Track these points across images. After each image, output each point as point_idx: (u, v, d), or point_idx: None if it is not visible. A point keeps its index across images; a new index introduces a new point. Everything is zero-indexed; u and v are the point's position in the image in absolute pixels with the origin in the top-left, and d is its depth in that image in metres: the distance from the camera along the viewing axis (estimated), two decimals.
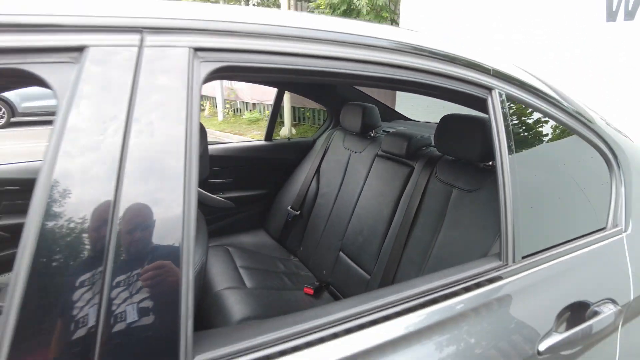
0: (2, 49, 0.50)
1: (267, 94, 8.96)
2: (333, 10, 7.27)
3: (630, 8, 3.02)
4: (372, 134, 1.94)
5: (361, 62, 0.69)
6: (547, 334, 0.77)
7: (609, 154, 0.99)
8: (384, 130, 1.98)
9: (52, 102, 8.44)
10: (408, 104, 3.82)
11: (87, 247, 0.49)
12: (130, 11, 0.57)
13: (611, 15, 3.15)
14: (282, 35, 0.63)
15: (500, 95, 0.84)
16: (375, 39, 0.71)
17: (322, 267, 1.87)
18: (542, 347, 0.75)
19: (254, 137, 7.96)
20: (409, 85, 0.79)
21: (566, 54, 3.37)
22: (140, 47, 0.55)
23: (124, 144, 0.51)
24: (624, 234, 0.97)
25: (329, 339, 0.61)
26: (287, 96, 8.02)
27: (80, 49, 0.53)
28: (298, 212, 2.12)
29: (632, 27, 3.01)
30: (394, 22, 6.85)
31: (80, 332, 0.47)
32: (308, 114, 8.39)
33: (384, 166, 1.73)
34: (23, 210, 1.54)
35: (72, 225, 0.49)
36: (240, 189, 2.24)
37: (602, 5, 3.20)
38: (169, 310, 0.51)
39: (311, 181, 2.14)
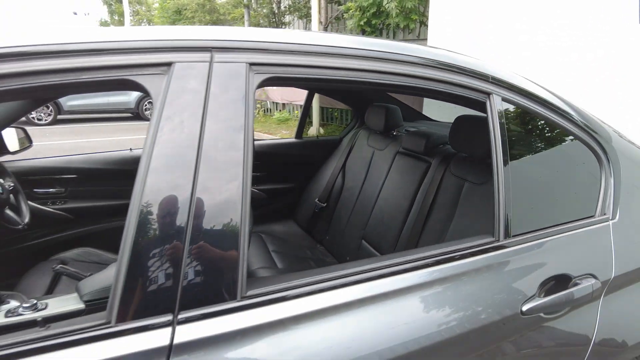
0: (117, 65, 0.71)
1: (296, 94, 9.21)
2: (362, 12, 7.40)
3: None
4: (394, 133, 2.11)
5: (377, 73, 0.86)
6: (531, 298, 0.92)
7: (599, 150, 1.12)
8: (405, 130, 2.14)
9: (92, 100, 9.23)
10: (435, 106, 3.94)
11: (175, 212, 0.69)
12: (203, 35, 0.77)
13: None
14: (314, 52, 0.82)
15: (497, 98, 1.00)
16: (389, 53, 0.88)
17: (345, 254, 2.05)
18: (525, 307, 0.90)
19: (283, 136, 8.22)
20: (419, 91, 0.96)
21: (590, 55, 3.40)
22: (211, 62, 0.74)
23: (201, 136, 0.71)
24: (610, 222, 1.10)
25: (353, 284, 0.79)
26: (315, 97, 8.22)
27: (168, 64, 0.73)
28: (325, 204, 2.31)
29: None
30: (423, 24, 6.94)
31: (170, 270, 0.67)
32: (336, 114, 8.57)
33: (404, 162, 1.89)
34: (83, 196, 1.83)
35: (165, 196, 0.69)
36: (272, 182, 2.45)
37: (635, 6, 3.20)
38: (232, 257, 0.70)
39: (337, 176, 2.32)
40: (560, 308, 0.95)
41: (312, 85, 2.26)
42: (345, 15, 8.10)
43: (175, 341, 0.65)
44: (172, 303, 0.67)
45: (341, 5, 8.69)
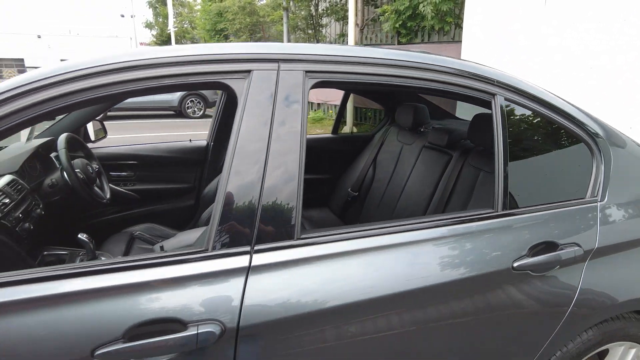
0: (215, 71, 1.00)
1: (331, 95, 9.50)
2: (398, 15, 7.58)
3: None
4: (421, 129, 2.34)
5: (401, 77, 1.13)
6: (521, 257, 1.15)
7: (590, 142, 1.32)
8: (432, 127, 2.37)
9: (140, 98, 10.03)
10: (467, 105, 4.12)
11: (253, 174, 0.97)
12: (272, 49, 1.05)
13: None
14: (353, 62, 1.09)
15: (501, 98, 1.23)
16: (408, 61, 1.14)
17: None
18: (516, 264, 1.13)
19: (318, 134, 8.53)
20: (438, 93, 1.21)
21: (620, 57, 3.48)
22: (278, 70, 1.03)
23: (272, 122, 1.00)
24: (598, 203, 1.30)
25: (382, 234, 1.06)
26: (349, 97, 8.45)
27: (248, 72, 1.02)
28: (357, 193, 2.57)
29: None
30: (458, 26, 7.04)
31: (250, 216, 0.96)
32: (370, 114, 8.79)
33: (429, 155, 2.13)
34: (149, 180, 2.23)
35: (247, 162, 0.97)
36: (310, 173, 2.71)
37: None
38: (291, 210, 0.99)
39: (369, 168, 2.58)
40: (546, 267, 1.17)
41: (350, 88, 2.55)
42: (382, 18, 8.30)
43: (252, 264, 0.94)
44: (250, 238, 0.96)
45: (377, 8, 8.90)
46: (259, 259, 0.95)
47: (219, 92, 3.11)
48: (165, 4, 24.48)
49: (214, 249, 0.94)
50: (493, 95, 1.24)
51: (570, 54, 3.98)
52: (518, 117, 1.34)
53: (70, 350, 0.82)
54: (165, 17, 24.44)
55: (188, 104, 12.34)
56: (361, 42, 8.96)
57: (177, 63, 0.97)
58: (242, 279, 0.93)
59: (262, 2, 13.79)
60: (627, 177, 1.38)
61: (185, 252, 0.94)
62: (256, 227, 0.97)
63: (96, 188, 2.04)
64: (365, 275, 1.02)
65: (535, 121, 1.35)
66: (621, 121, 3.58)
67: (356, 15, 8.62)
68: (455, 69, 1.19)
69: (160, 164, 2.55)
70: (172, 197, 2.53)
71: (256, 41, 14.52)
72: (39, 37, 52.79)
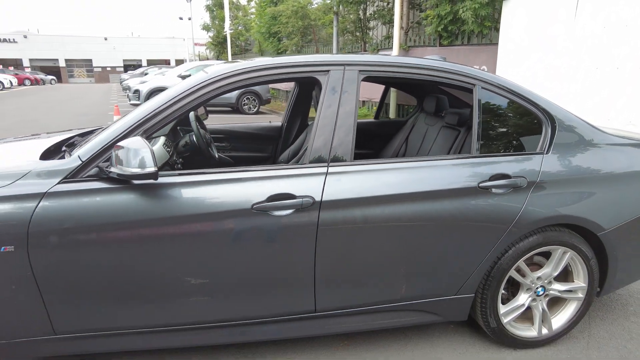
0: (311, 70, 1.88)
1: (374, 92, 10.25)
2: (440, 20, 8.22)
3: None
4: (442, 114, 3.10)
5: (416, 74, 1.95)
6: (484, 181, 1.92)
7: (541, 115, 2.06)
8: (449, 112, 3.13)
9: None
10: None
11: (326, 136, 1.84)
12: (339, 58, 1.91)
13: None
14: (384, 64, 1.92)
15: (479, 87, 2.02)
16: (416, 64, 1.96)
17: None
18: (481, 185, 1.90)
19: None
20: (442, 84, 2.02)
21: None
22: (344, 70, 1.89)
23: (339, 101, 1.85)
24: (544, 155, 2.04)
25: (398, 162, 1.89)
26: (393, 95, 9.22)
27: (327, 71, 1.88)
28: None
29: None
30: (496, 29, 7.59)
31: (326, 150, 1.82)
32: (411, 110, 9.47)
33: (445, 132, 2.89)
34: (239, 149, 3.38)
35: (322, 130, 1.84)
36: (356, 149, 3.57)
37: None
38: (349, 148, 1.84)
39: (402, 146, 3.36)
40: (501, 189, 1.93)
41: (383, 82, 3.39)
42: (425, 22, 8.96)
43: (328, 171, 1.80)
44: (327, 159, 1.82)
45: (421, 12, 9.55)
46: (331, 169, 1.81)
47: (273, 91, 3.98)
48: (222, 8, 26.14)
49: (310, 162, 1.81)
50: (474, 85, 2.03)
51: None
52: (491, 101, 2.11)
53: (241, 203, 1.72)
54: (222, 20, 26.05)
55: (244, 101, 13.52)
56: (405, 43, 9.65)
57: (293, 65, 1.86)
58: (323, 178, 1.79)
59: (313, 7, 14.74)
60: (566, 138, 2.10)
61: (297, 165, 1.82)
62: (330, 154, 1.82)
63: (210, 150, 2.99)
64: (384, 181, 1.86)
65: (503, 102, 2.11)
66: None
67: (401, 18, 9.33)
68: (451, 69, 2.00)
69: (248, 138, 3.49)
70: (254, 162, 3.46)
71: (307, 43, 15.45)
72: (106, 39, 57.10)
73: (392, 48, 9.62)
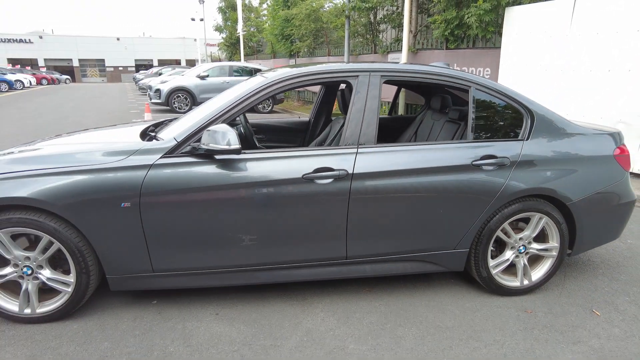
0: (345, 75, 2.49)
1: (386, 93, 10.83)
2: (447, 24, 8.78)
3: None
4: (446, 111, 3.68)
5: (421, 79, 2.55)
6: (475, 160, 2.51)
7: (522, 109, 2.64)
8: (452, 108, 3.71)
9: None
10: None
11: (356, 123, 2.44)
12: (366, 67, 2.51)
13: None
14: (400, 70, 2.52)
15: (473, 88, 2.61)
16: (422, 71, 2.56)
17: None
18: (474, 163, 2.48)
19: None
20: (445, 86, 2.62)
21: None
22: (370, 76, 2.49)
23: (366, 98, 2.45)
24: (524, 141, 2.62)
25: (409, 145, 2.49)
26: (402, 95, 9.80)
27: (357, 76, 2.49)
28: None
29: None
30: (499, 34, 8.13)
31: (357, 130, 2.42)
32: (419, 108, 10.04)
33: (448, 126, 3.47)
34: (273, 140, 4.18)
35: (353, 121, 2.44)
36: None
37: None
38: (373, 132, 2.45)
39: (412, 137, 3.95)
40: (490, 167, 2.52)
41: (400, 84, 3.99)
42: (432, 26, 9.51)
43: (358, 152, 2.40)
44: (357, 141, 2.42)
45: (430, 16, 10.10)
46: (360, 150, 2.41)
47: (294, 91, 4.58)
48: (234, 10, 26.83)
49: (344, 145, 2.41)
50: (469, 87, 2.62)
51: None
52: (483, 99, 2.69)
53: (294, 173, 2.32)
54: (234, 21, 26.74)
55: None
56: (414, 46, 10.22)
57: (332, 71, 2.48)
58: (354, 156, 2.40)
59: (325, 10, 15.33)
60: (543, 127, 2.68)
61: (335, 146, 2.43)
62: (359, 139, 2.43)
63: (252, 139, 3.60)
64: (399, 159, 2.46)
65: (492, 100, 2.70)
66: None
67: (410, 23, 9.89)
68: (451, 74, 2.60)
69: (280, 130, 4.10)
70: None
71: (318, 44, 16.03)
72: (118, 39, 58.16)
73: (401, 50, 10.19)
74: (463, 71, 2.67)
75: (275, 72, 2.54)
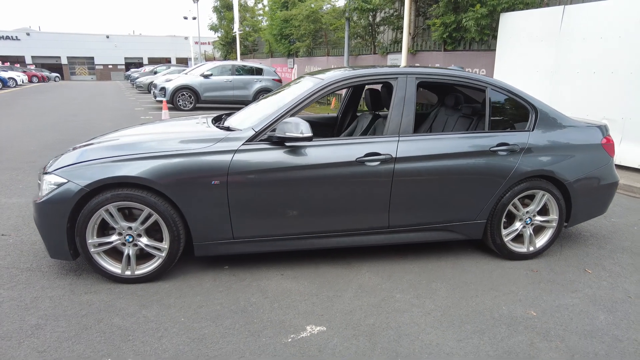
0: (386, 78, 3.04)
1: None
2: (445, 27, 9.39)
3: None
4: (459, 107, 4.26)
5: (442, 81, 3.12)
6: (492, 147, 3.08)
7: (528, 106, 3.23)
8: (464, 105, 4.29)
9: (221, 93, 13.14)
10: None
11: (399, 111, 3.01)
12: (402, 70, 3.08)
13: None
14: (431, 74, 3.09)
15: (489, 89, 3.19)
16: (447, 75, 3.13)
17: None
18: (492, 148, 3.06)
19: None
20: (463, 86, 3.18)
21: None
22: (407, 78, 3.06)
23: (404, 96, 3.02)
24: (530, 132, 3.21)
25: (426, 135, 3.06)
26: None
27: (396, 78, 3.05)
28: None
29: None
30: (494, 37, 8.76)
31: (397, 119, 2.99)
32: (424, 107, 10.65)
33: (462, 120, 4.05)
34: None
35: (396, 113, 3.01)
36: None
37: None
38: (410, 124, 3.02)
39: (427, 130, 4.53)
40: (504, 152, 3.09)
41: (430, 85, 4.57)
42: (432, 29, 10.12)
43: (400, 140, 2.97)
44: (398, 132, 2.98)
45: (428, 19, 10.71)
46: (401, 138, 2.98)
47: None
48: (229, 9, 27.18)
49: (388, 134, 2.97)
50: (486, 87, 3.20)
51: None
52: (497, 98, 3.27)
53: (349, 157, 2.88)
54: (230, 21, 27.10)
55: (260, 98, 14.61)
56: (413, 48, 10.82)
57: (377, 74, 3.04)
58: (396, 143, 2.96)
59: (324, 10, 15.85)
60: (545, 121, 3.28)
61: (381, 135, 2.99)
62: (400, 129, 2.99)
63: None
64: (433, 145, 3.02)
65: (504, 98, 3.28)
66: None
67: (409, 25, 10.48)
68: (471, 77, 3.17)
69: (313, 125, 4.63)
70: None
71: (317, 45, 16.54)
72: (108, 37, 57.78)
73: (400, 51, 10.78)
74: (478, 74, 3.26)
75: (329, 74, 3.09)
